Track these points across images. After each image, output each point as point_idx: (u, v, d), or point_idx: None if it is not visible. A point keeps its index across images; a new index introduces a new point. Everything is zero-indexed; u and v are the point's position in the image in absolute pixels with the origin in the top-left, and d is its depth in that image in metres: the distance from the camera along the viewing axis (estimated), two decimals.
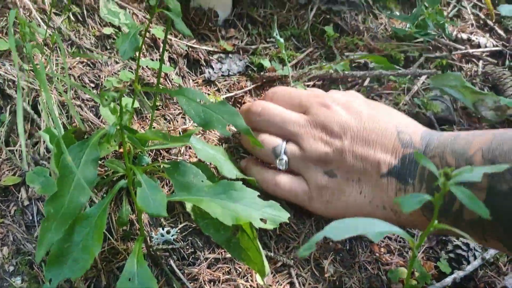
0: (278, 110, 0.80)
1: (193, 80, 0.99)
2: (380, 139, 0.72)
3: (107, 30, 0.93)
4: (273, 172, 0.78)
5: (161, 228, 0.75)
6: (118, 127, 0.56)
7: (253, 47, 1.05)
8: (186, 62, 1.01)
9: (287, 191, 0.77)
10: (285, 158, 0.76)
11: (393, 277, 0.75)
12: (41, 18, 0.90)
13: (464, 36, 1.10)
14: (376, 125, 0.73)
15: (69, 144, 0.61)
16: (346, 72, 1.01)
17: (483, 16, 1.19)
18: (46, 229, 0.58)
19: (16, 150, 0.76)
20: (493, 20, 1.17)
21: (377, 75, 1.01)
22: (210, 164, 0.84)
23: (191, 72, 1.00)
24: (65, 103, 0.81)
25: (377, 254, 0.80)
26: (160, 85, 0.91)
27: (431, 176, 0.65)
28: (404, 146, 0.70)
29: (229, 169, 0.76)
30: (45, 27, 0.87)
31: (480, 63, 1.07)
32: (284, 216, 0.68)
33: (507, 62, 1.06)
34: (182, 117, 0.89)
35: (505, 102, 0.94)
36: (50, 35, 0.89)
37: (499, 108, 0.88)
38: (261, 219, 0.66)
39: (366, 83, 1.00)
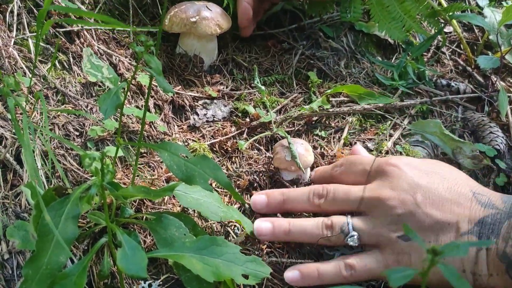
0: (341, 189, 0.77)
1: (178, 126, 1.00)
2: (456, 199, 0.69)
3: (93, 78, 0.94)
4: (342, 258, 0.73)
5: (142, 281, 0.74)
6: (100, 188, 0.56)
7: (238, 92, 1.07)
8: (171, 108, 1.02)
9: (363, 269, 0.71)
10: (355, 234, 0.72)
11: None
12: (27, 66, 0.91)
13: (444, 82, 1.13)
14: (448, 184, 0.71)
15: (49, 201, 0.61)
16: (330, 110, 1.02)
17: (462, 62, 1.22)
18: None
19: None
20: (472, 66, 1.20)
21: (360, 110, 1.03)
22: (194, 212, 0.84)
23: (176, 118, 1.01)
24: (49, 153, 0.81)
25: None
26: (145, 132, 0.92)
27: None
28: (483, 206, 0.68)
29: (210, 211, 0.75)
30: (30, 76, 0.88)
31: (460, 108, 1.10)
32: (266, 271, 0.68)
33: (485, 108, 1.09)
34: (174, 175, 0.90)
35: (484, 150, 0.96)
36: (35, 83, 0.90)
37: (476, 157, 0.90)
38: (243, 275, 0.66)
39: (348, 129, 1.02)
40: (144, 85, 0.99)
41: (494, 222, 0.67)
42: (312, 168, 0.92)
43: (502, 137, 1.00)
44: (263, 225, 0.77)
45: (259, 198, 0.82)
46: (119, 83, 0.73)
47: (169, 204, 0.85)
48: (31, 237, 0.58)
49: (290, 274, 0.73)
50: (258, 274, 0.67)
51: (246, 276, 0.66)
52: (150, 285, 0.73)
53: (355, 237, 0.72)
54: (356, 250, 0.75)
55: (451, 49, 1.27)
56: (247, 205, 0.84)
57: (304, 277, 0.73)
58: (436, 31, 1.16)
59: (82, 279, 0.60)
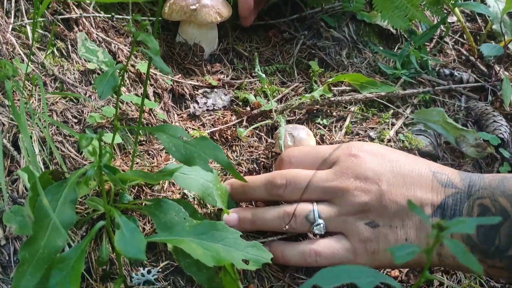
0: (302, 174, 0.74)
1: (178, 115, 0.99)
2: (417, 181, 0.70)
3: (92, 65, 0.93)
4: (308, 242, 0.73)
5: (141, 267, 0.73)
6: (97, 169, 0.55)
7: (239, 81, 1.06)
8: (171, 97, 1.01)
9: (331, 256, 0.71)
10: (321, 222, 0.71)
11: None
12: (25, 53, 0.90)
13: (447, 71, 1.12)
14: (409, 167, 0.71)
15: (46, 185, 0.59)
16: (332, 99, 1.01)
17: (465, 52, 1.21)
18: (21, 275, 0.56)
19: None
20: (475, 56, 1.19)
21: (361, 99, 1.02)
22: (194, 200, 0.83)
23: (176, 107, 1.00)
24: (46, 139, 0.80)
25: None
26: (144, 120, 0.91)
27: (481, 215, 0.65)
28: (444, 186, 0.69)
29: (206, 193, 0.75)
30: (28, 62, 0.87)
31: (463, 98, 1.09)
32: (266, 256, 0.67)
33: (489, 97, 1.07)
34: (166, 152, 0.89)
35: (487, 138, 0.95)
36: (33, 70, 0.89)
37: (479, 145, 0.89)
38: (243, 260, 0.65)
39: (350, 117, 1.01)
40: (144, 73, 0.98)
41: (456, 203, 0.68)
42: None
43: (506, 126, 0.99)
44: (230, 217, 0.77)
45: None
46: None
47: (168, 191, 0.83)
48: (27, 219, 0.57)
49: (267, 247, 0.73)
50: (259, 260, 0.66)
51: (246, 261, 0.65)
52: (149, 271, 0.72)
53: (321, 225, 0.72)
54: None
55: (454, 39, 1.25)
56: None
57: (274, 252, 0.72)
58: (439, 20, 1.14)
59: (80, 263, 0.59)
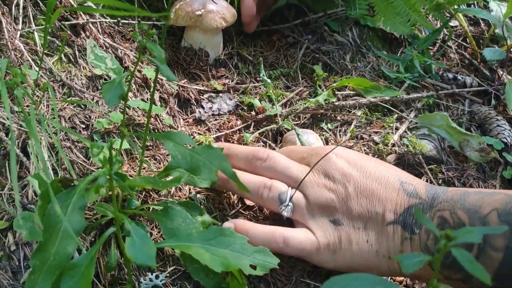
0: (283, 158, 0.80)
1: (183, 120, 0.99)
2: (384, 188, 0.72)
3: (99, 71, 0.94)
4: (279, 228, 0.75)
5: (149, 272, 0.74)
6: (108, 176, 0.56)
7: (243, 86, 1.07)
8: (176, 102, 1.02)
9: (298, 247, 0.74)
10: (291, 205, 0.75)
11: None
12: (33, 59, 0.91)
13: (450, 75, 1.12)
14: (378, 174, 0.74)
15: (55, 192, 0.60)
16: (336, 103, 1.02)
17: (468, 56, 1.22)
18: (33, 283, 0.57)
19: (4, 194, 0.76)
20: (478, 60, 1.20)
21: (366, 103, 1.03)
22: (200, 204, 0.84)
23: (181, 112, 1.01)
24: (55, 145, 0.81)
25: None
26: (150, 125, 0.92)
27: (439, 226, 0.67)
28: (409, 196, 0.71)
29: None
30: (37, 69, 0.88)
31: (466, 102, 1.09)
32: (273, 261, 0.68)
33: (492, 101, 1.08)
34: (179, 166, 0.89)
35: (491, 143, 0.95)
36: (41, 76, 0.90)
37: (483, 150, 0.90)
38: (251, 265, 0.66)
39: (355, 122, 1.02)
40: (150, 78, 0.99)
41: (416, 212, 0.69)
42: None
43: (509, 130, 1.00)
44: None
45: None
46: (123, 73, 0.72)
47: (175, 196, 0.84)
48: (36, 228, 0.58)
49: (227, 224, 0.77)
50: (266, 265, 0.67)
51: (254, 267, 0.66)
52: (157, 276, 0.73)
53: (290, 208, 0.75)
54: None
55: (457, 43, 1.26)
56: None
57: (238, 231, 0.73)
58: (441, 24, 1.15)
59: (90, 270, 0.60)
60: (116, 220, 0.61)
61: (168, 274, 0.75)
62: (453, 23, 1.29)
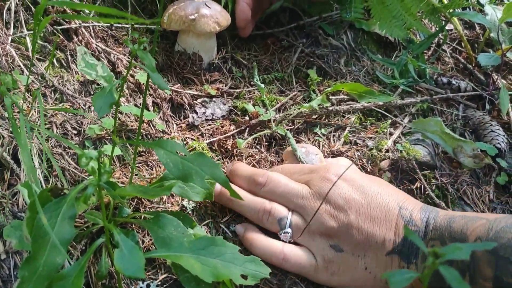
0: (283, 180, 0.80)
1: (176, 125, 0.99)
2: (384, 215, 0.73)
3: (88, 77, 0.93)
4: (281, 245, 0.76)
5: (140, 281, 0.73)
6: (97, 187, 0.56)
7: (237, 90, 1.06)
8: (170, 106, 1.01)
9: (295, 264, 0.76)
10: (290, 231, 0.76)
11: None
12: (24, 65, 0.90)
13: (445, 80, 1.12)
14: (380, 200, 0.75)
15: (45, 202, 0.60)
16: (330, 108, 1.02)
17: (462, 60, 1.21)
18: None
19: None
20: (473, 64, 1.19)
21: (360, 109, 1.02)
22: (192, 212, 0.83)
23: (175, 116, 1.01)
24: (46, 152, 0.80)
25: None
26: (143, 131, 0.92)
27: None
28: (406, 222, 0.73)
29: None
30: (28, 74, 0.87)
31: (461, 107, 1.09)
32: (265, 271, 0.67)
33: (487, 107, 1.08)
34: (170, 173, 0.89)
35: (485, 148, 0.95)
36: (32, 81, 0.89)
37: (477, 156, 0.90)
38: (242, 275, 0.66)
39: (349, 127, 1.01)
40: (143, 84, 0.98)
41: (413, 243, 0.71)
42: None
43: (503, 135, 0.99)
44: (217, 186, 0.81)
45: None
46: (114, 80, 0.72)
47: (167, 203, 0.84)
48: (25, 239, 0.57)
49: (239, 228, 0.81)
50: (257, 275, 0.67)
51: (245, 277, 0.66)
52: (148, 285, 0.73)
53: (289, 235, 0.76)
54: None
55: (451, 47, 1.26)
56: None
57: (247, 240, 0.78)
58: (437, 28, 1.15)
59: (79, 280, 0.60)
60: (106, 230, 0.61)
61: (159, 283, 0.75)
62: (448, 26, 1.28)
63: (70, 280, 0.59)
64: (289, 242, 0.77)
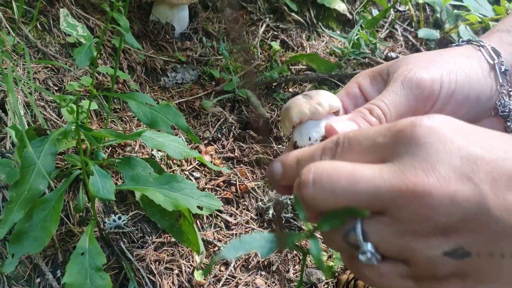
0: (340, 170, 0.42)
1: (149, 87, 1.10)
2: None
3: (71, 39, 1.03)
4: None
5: (113, 214, 0.85)
6: (75, 126, 0.67)
7: (206, 58, 1.17)
8: (144, 70, 1.12)
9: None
10: (370, 249, 0.41)
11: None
12: (11, 27, 1.00)
13: (393, 55, 1.25)
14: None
15: (31, 139, 0.71)
16: (288, 76, 1.14)
17: (411, 38, 1.34)
18: (9, 211, 0.68)
19: None
20: (421, 42, 1.32)
21: (315, 78, 1.15)
22: (161, 160, 0.95)
23: (148, 79, 1.12)
24: (30, 104, 0.90)
25: (304, 242, 0.93)
26: (119, 90, 1.02)
27: None
28: None
29: (175, 151, 0.85)
30: (14, 35, 0.97)
31: None
32: (217, 204, 0.80)
33: None
34: (138, 119, 1.00)
35: None
36: (18, 42, 0.99)
37: None
38: (198, 206, 0.78)
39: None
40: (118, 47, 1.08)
41: None
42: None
43: None
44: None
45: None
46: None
47: (139, 152, 0.95)
48: (15, 164, 0.68)
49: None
50: (211, 207, 0.79)
51: (200, 208, 0.78)
52: (119, 217, 0.84)
53: (370, 254, 0.41)
54: None
55: (403, 26, 1.38)
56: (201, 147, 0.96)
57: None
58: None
59: (59, 204, 0.71)
60: (82, 163, 0.72)
61: (130, 217, 0.87)
62: (402, 8, 1.41)
63: (51, 204, 0.71)
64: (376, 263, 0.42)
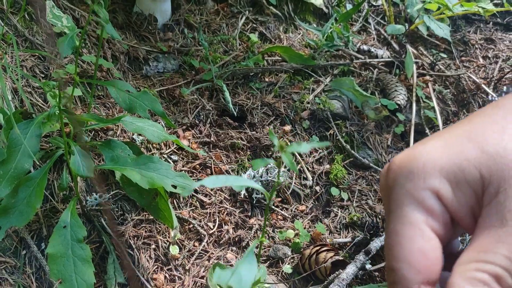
0: None
1: (132, 75, 1.16)
2: None
3: (57, 29, 1.09)
4: None
5: (95, 193, 0.92)
6: (58, 110, 0.73)
7: (187, 49, 1.24)
8: (127, 59, 1.18)
9: None
10: None
11: (281, 237, 0.95)
12: (0, 17, 1.05)
13: (365, 48, 1.32)
14: None
15: (17, 122, 0.77)
16: (264, 67, 1.20)
17: (383, 32, 1.41)
18: None
19: None
20: (392, 35, 1.39)
21: (289, 68, 1.21)
22: (141, 144, 1.02)
23: (131, 68, 1.18)
24: (18, 90, 0.96)
25: (274, 221, 1.00)
26: (102, 78, 1.08)
27: None
28: None
29: (153, 135, 0.91)
30: (3, 24, 1.03)
31: (376, 71, 1.29)
32: (192, 184, 0.86)
33: (396, 71, 1.28)
34: (120, 106, 1.06)
35: (386, 104, 1.16)
36: (6, 31, 1.04)
37: (377, 109, 1.10)
38: (173, 185, 0.85)
39: (279, 83, 1.20)
40: (104, 38, 1.14)
41: None
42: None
43: (404, 94, 1.20)
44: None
45: None
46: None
47: (120, 136, 1.02)
48: (1, 144, 0.75)
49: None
50: (186, 187, 0.85)
51: (175, 187, 0.85)
52: (100, 196, 0.91)
53: None
54: None
55: (376, 20, 1.45)
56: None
57: None
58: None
59: (43, 181, 0.78)
60: (65, 144, 0.79)
61: (110, 196, 0.93)
62: (376, 2, 1.47)
63: (36, 181, 0.77)
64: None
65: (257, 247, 0.80)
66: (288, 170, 1.04)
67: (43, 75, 1.03)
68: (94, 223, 0.89)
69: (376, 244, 0.89)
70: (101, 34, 0.84)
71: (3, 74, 0.95)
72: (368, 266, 0.87)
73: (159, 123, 1.02)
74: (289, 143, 0.94)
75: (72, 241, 0.77)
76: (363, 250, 0.88)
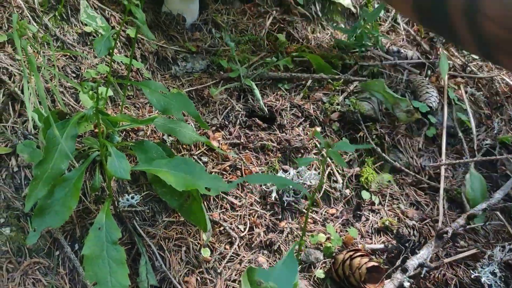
0: None
1: (161, 75, 1.16)
2: None
3: (88, 29, 1.09)
4: None
5: (127, 194, 0.92)
6: (95, 111, 0.73)
7: (215, 49, 1.23)
8: (156, 59, 1.17)
9: None
10: None
11: (313, 241, 0.94)
12: (31, 16, 1.06)
13: (395, 48, 1.30)
14: None
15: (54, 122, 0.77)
16: (293, 74, 1.19)
17: (413, 32, 1.39)
18: (34, 187, 0.74)
19: (8, 126, 0.92)
20: (422, 36, 1.37)
21: (317, 78, 1.20)
22: (171, 145, 1.01)
23: (159, 68, 1.17)
24: (50, 89, 0.96)
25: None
26: (132, 78, 1.08)
27: None
28: None
29: (185, 136, 0.91)
30: (35, 24, 1.03)
31: (405, 72, 1.27)
32: (225, 186, 0.86)
33: (428, 72, 1.26)
34: (150, 106, 1.06)
35: (418, 106, 1.14)
36: (38, 30, 1.05)
37: (409, 111, 1.08)
38: (206, 188, 0.84)
39: (308, 83, 1.19)
40: (133, 38, 1.14)
41: None
42: None
43: (436, 96, 1.18)
44: None
45: None
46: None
47: (150, 137, 1.01)
48: (40, 144, 0.74)
49: None
50: (218, 188, 0.84)
51: (208, 189, 0.84)
52: (132, 197, 0.91)
53: None
54: None
55: (405, 20, 1.43)
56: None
57: None
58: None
59: (79, 182, 0.77)
60: (101, 145, 0.78)
61: (142, 197, 0.93)
62: None
63: (72, 182, 0.77)
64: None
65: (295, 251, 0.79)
66: (319, 173, 1.02)
67: (74, 75, 1.03)
68: (126, 225, 0.89)
69: (413, 262, 0.87)
70: (135, 35, 0.83)
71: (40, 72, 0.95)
72: (406, 284, 0.85)
73: (188, 123, 1.02)
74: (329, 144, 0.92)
75: (107, 243, 0.76)
76: (400, 268, 0.86)
